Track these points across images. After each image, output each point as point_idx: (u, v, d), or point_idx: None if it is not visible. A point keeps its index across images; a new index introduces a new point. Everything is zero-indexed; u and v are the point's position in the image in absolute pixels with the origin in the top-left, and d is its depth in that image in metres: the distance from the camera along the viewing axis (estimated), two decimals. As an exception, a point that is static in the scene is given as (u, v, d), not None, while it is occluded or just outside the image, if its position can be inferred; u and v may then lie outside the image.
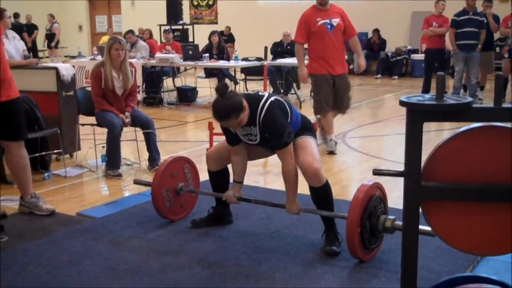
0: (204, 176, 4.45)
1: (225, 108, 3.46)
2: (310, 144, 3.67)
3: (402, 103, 2.10)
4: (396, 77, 15.01)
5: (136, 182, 4.50)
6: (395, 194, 4.10)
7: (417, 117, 2.07)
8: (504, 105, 2.06)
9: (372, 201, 3.37)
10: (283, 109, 3.61)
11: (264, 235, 3.90)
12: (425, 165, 2.11)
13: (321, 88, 6.24)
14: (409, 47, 15.68)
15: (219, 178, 4.00)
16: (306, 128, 3.78)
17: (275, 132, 3.52)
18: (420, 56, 14.84)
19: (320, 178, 3.57)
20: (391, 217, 3.42)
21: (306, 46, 6.39)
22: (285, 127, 3.53)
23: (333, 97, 6.24)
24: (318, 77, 6.25)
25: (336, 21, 6.06)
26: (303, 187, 3.73)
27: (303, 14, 6.24)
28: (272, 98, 3.59)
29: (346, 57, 6.78)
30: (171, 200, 4.12)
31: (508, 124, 2.06)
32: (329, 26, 6.05)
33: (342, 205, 4.07)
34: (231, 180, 4.00)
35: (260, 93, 3.69)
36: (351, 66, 13.30)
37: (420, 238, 2.20)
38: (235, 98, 3.49)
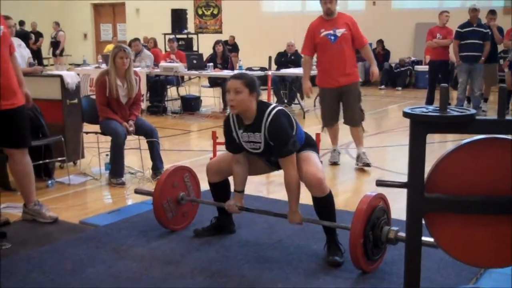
0: (206, 185, 4.45)
1: (245, 74, 3.72)
2: (313, 157, 3.69)
3: (405, 115, 2.11)
4: (400, 88, 15.02)
5: (137, 191, 4.50)
6: (398, 205, 4.10)
7: (420, 128, 2.07)
8: (508, 117, 2.07)
9: (375, 212, 3.37)
10: (289, 119, 3.64)
11: (266, 245, 3.90)
12: (429, 177, 2.12)
13: (324, 101, 6.23)
14: (413, 58, 15.71)
15: (219, 189, 4.01)
16: (310, 144, 3.81)
17: (280, 138, 3.53)
18: (424, 67, 14.85)
19: (323, 188, 3.57)
20: (395, 228, 3.41)
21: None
22: (290, 136, 3.55)
23: (344, 109, 6.16)
24: (322, 90, 6.24)
25: (340, 31, 5.90)
26: (306, 198, 3.73)
27: (310, 25, 6.15)
28: (280, 108, 3.65)
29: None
30: (173, 211, 4.12)
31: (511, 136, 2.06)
32: (332, 37, 5.92)
33: (345, 215, 4.07)
34: (232, 190, 4.01)
35: (268, 102, 3.73)
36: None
37: (423, 250, 2.20)
38: (257, 83, 3.64)
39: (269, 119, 3.54)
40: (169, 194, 4.09)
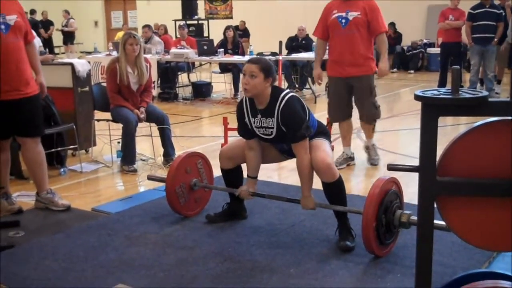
0: (218, 171, 4.45)
1: (262, 59, 3.71)
2: (323, 144, 3.69)
3: (417, 97, 2.08)
4: (412, 71, 14.92)
5: (150, 178, 4.51)
6: (410, 189, 4.07)
7: (432, 111, 2.04)
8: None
9: (388, 196, 3.35)
10: (302, 105, 3.64)
11: (278, 230, 3.89)
12: (440, 160, 2.09)
13: (331, 91, 5.65)
14: (425, 41, 15.59)
15: (232, 176, 4.01)
16: (322, 132, 3.81)
17: (293, 122, 3.53)
18: (436, 50, 14.72)
19: (333, 173, 3.56)
20: (407, 212, 3.40)
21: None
22: (303, 120, 3.55)
23: (355, 104, 5.56)
24: (329, 79, 5.64)
25: (353, 14, 5.19)
26: (317, 183, 3.71)
27: (326, 4, 5.53)
28: (293, 93, 3.66)
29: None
30: (186, 196, 4.13)
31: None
32: (343, 21, 5.23)
33: (357, 200, 4.06)
34: (245, 175, 4.00)
35: (282, 88, 3.72)
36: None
37: (435, 234, 2.18)
38: (273, 68, 3.63)
39: (282, 104, 3.54)
40: (182, 180, 4.09)
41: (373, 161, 5.63)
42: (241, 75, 3.59)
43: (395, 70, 15.05)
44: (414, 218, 3.29)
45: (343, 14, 5.24)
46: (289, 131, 3.57)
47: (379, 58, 5.50)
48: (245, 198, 3.96)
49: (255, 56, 9.74)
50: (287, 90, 3.69)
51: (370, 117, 5.51)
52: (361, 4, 5.22)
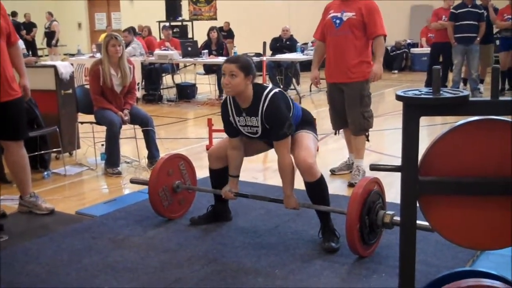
0: (202, 173, 4.45)
1: (240, 57, 3.69)
2: (307, 139, 3.67)
3: (398, 97, 2.08)
4: (396, 71, 15.00)
5: (133, 181, 4.49)
6: (394, 189, 4.09)
7: (413, 111, 2.05)
8: (502, 98, 2.05)
9: (370, 196, 3.36)
10: (286, 101, 3.62)
11: (263, 231, 3.89)
12: (422, 160, 2.10)
13: (329, 98, 5.27)
14: (408, 41, 15.67)
15: (220, 176, 3.98)
16: (306, 121, 3.79)
17: (276, 122, 3.52)
18: (420, 50, 14.84)
19: (314, 173, 3.56)
20: (390, 212, 3.41)
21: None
22: (286, 119, 3.54)
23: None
24: (327, 85, 5.26)
25: (348, 15, 4.85)
26: (301, 183, 3.71)
27: (326, 4, 5.21)
28: (276, 90, 3.62)
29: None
30: (169, 199, 4.12)
31: (506, 117, 2.04)
32: (337, 21, 4.90)
33: (340, 200, 4.07)
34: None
35: (264, 85, 3.71)
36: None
37: (419, 233, 2.19)
38: (252, 65, 3.59)
39: (266, 103, 3.53)
40: (165, 182, 4.08)
41: (352, 181, 4.95)
42: (222, 77, 3.57)
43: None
44: (397, 218, 3.30)
45: (338, 15, 4.92)
46: (272, 130, 3.56)
47: None
48: (228, 199, 3.95)
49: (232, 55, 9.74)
50: (270, 87, 3.63)
51: (357, 127, 5.03)
52: (358, 4, 4.87)
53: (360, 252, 3.36)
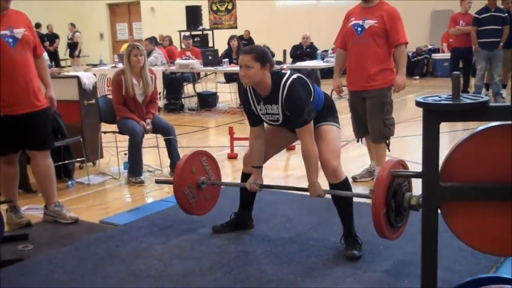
0: (224, 178, 4.45)
1: (255, 47, 3.64)
2: (332, 135, 3.64)
3: (418, 104, 2.09)
4: (418, 77, 14.91)
5: (158, 181, 4.52)
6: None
7: (433, 117, 2.06)
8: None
9: (396, 179, 3.22)
10: (305, 87, 3.59)
11: (285, 239, 3.90)
12: (443, 166, 2.10)
13: (350, 106, 5.22)
14: (429, 46, 15.58)
15: None
16: (329, 109, 3.74)
17: (296, 109, 3.50)
18: (441, 56, 14.74)
19: (338, 175, 3.56)
20: (416, 194, 3.29)
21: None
22: (306, 105, 3.50)
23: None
24: (349, 93, 5.21)
25: (370, 23, 4.80)
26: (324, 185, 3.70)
27: (347, 12, 5.18)
28: (295, 76, 3.58)
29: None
30: (195, 196, 4.12)
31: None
32: (359, 29, 4.85)
33: (363, 207, 4.05)
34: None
35: (283, 71, 3.69)
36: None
37: (441, 239, 2.18)
38: (268, 54, 3.59)
39: (285, 91, 3.51)
40: (189, 180, 4.08)
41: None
42: (239, 69, 3.57)
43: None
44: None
45: (360, 22, 4.86)
46: (293, 117, 3.54)
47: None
48: (254, 191, 3.90)
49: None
50: (288, 74, 3.58)
51: (377, 135, 4.95)
52: (380, 12, 4.83)
53: (387, 236, 3.26)
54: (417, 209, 3.18)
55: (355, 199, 3.70)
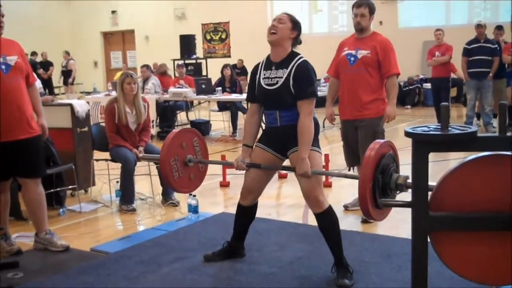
0: (216, 209, 4.45)
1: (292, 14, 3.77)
2: (315, 162, 3.61)
3: (407, 134, 2.12)
4: (409, 106, 15.02)
5: (144, 157, 4.50)
6: (408, 225, 4.07)
7: (422, 147, 2.09)
8: (509, 133, 2.07)
9: (384, 159, 3.07)
10: (315, 73, 3.70)
11: (277, 267, 3.89)
12: (433, 196, 2.12)
13: (342, 135, 5.20)
14: (421, 76, 15.73)
15: (247, 215, 3.95)
16: (315, 131, 3.69)
17: (306, 79, 3.59)
18: (432, 85, 14.86)
19: (320, 204, 3.58)
20: (404, 175, 3.21)
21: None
22: (314, 81, 3.62)
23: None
24: (340, 122, 5.21)
25: (363, 53, 4.86)
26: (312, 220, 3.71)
27: (340, 42, 5.25)
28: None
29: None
30: (180, 171, 4.09)
31: (514, 153, 2.07)
32: (352, 58, 4.90)
33: (355, 236, 4.06)
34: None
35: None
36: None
37: (432, 268, 2.19)
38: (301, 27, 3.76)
39: (298, 61, 3.62)
40: (177, 152, 4.07)
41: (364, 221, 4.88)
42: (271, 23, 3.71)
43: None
44: (411, 181, 3.06)
45: (353, 52, 4.92)
46: (300, 86, 3.58)
47: None
48: (241, 169, 3.88)
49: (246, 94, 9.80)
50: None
51: None
52: (373, 42, 4.89)
53: (371, 214, 3.02)
54: (404, 190, 3.00)
55: (346, 228, 3.71)
